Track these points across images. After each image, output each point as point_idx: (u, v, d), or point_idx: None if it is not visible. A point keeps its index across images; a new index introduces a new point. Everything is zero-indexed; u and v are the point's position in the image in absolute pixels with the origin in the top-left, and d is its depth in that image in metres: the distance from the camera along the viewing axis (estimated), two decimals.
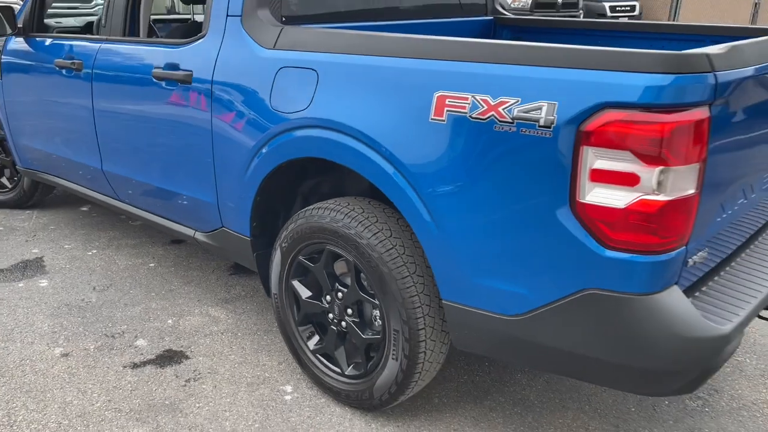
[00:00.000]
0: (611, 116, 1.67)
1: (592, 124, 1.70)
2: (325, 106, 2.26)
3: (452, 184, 1.97)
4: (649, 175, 1.67)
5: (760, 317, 2.36)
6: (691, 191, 1.73)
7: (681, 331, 1.76)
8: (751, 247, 2.33)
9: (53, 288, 3.45)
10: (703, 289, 2.00)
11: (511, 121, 1.82)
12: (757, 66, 1.85)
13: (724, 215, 2.01)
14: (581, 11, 16.66)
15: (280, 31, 2.48)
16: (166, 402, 2.55)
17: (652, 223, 1.70)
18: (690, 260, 1.85)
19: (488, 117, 1.86)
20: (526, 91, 1.80)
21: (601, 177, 1.72)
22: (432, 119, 1.98)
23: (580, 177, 1.74)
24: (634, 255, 1.74)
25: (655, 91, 1.63)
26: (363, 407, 2.46)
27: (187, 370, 2.76)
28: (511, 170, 1.86)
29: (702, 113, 1.66)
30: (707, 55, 1.66)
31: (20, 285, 3.49)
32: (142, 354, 2.87)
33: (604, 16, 16.94)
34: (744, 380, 2.78)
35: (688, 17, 17.16)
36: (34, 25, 3.80)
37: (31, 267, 3.70)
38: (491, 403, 2.59)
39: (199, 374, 2.73)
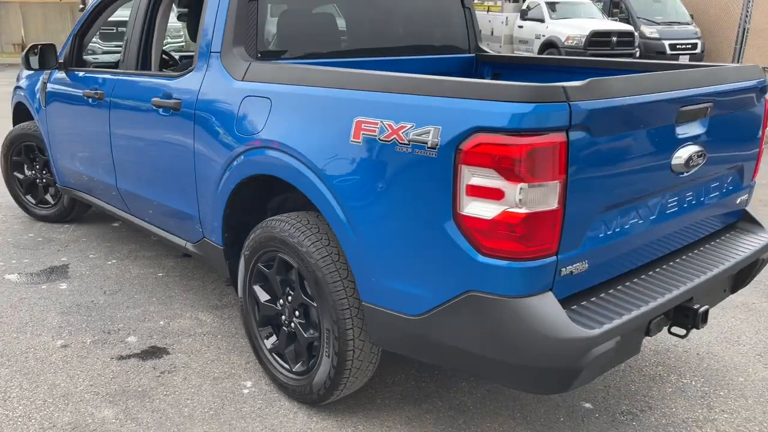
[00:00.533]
0: (481, 139, 1.92)
1: (466, 145, 1.94)
2: (274, 129, 2.59)
3: (364, 196, 2.25)
4: (512, 190, 1.90)
5: (671, 333, 2.50)
6: (554, 206, 1.94)
7: (546, 331, 1.96)
8: (663, 267, 2.48)
9: (70, 291, 3.89)
10: (593, 299, 2.18)
11: (407, 143, 2.09)
12: (627, 98, 2.05)
13: (609, 232, 2.19)
14: (638, 49, 16.60)
15: (249, 66, 2.84)
16: (139, 389, 2.88)
17: (515, 233, 1.92)
18: (564, 270, 2.04)
19: (391, 139, 2.14)
20: (418, 117, 2.07)
21: (475, 192, 1.95)
22: (351, 141, 2.27)
23: (459, 192, 1.98)
24: (504, 261, 1.96)
25: (517, 117, 1.87)
26: (306, 401, 2.72)
27: (164, 363, 3.09)
28: (407, 185, 2.12)
29: (558, 137, 1.88)
30: (563, 88, 1.89)
31: (43, 287, 3.94)
32: (129, 348, 3.23)
33: (663, 54, 16.80)
34: (682, 400, 2.88)
35: (752, 56, 16.84)
36: (73, 60, 4.33)
37: (57, 272, 4.16)
38: (429, 406, 2.80)
39: (174, 368, 3.06)
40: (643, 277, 2.39)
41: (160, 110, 3.26)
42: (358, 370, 2.55)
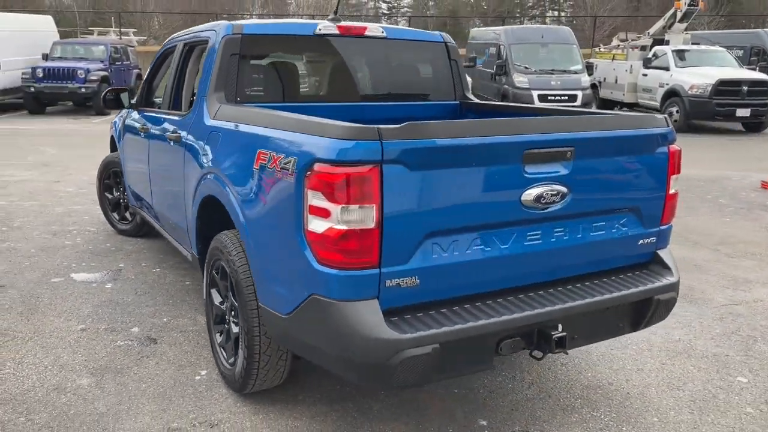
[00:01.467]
0: (318, 167, 2.35)
1: (309, 172, 2.39)
2: (218, 158, 3.18)
3: (256, 212, 2.76)
4: (335, 210, 2.31)
5: (532, 356, 2.72)
6: (371, 225, 2.32)
7: (363, 331, 2.33)
8: (530, 294, 2.72)
9: (111, 290, 4.69)
10: (430, 312, 2.50)
11: (281, 170, 2.57)
12: (447, 140, 2.39)
13: (446, 255, 2.50)
14: None
15: (219, 107, 3.46)
16: (118, 366, 3.53)
17: (338, 246, 2.32)
18: (389, 282, 2.39)
19: (273, 167, 2.63)
20: (287, 149, 2.56)
21: (314, 210, 2.39)
22: (254, 168, 2.79)
23: (305, 210, 2.42)
24: (333, 270, 2.36)
25: (342, 151, 2.29)
26: (233, 388, 3.21)
27: (148, 350, 3.73)
28: (279, 204, 2.60)
29: (371, 169, 2.27)
30: (378, 129, 2.28)
31: (93, 285, 4.78)
32: (129, 337, 3.91)
33: None
34: (579, 429, 3.02)
35: None
36: (143, 101, 5.24)
37: (110, 275, 5.01)
38: (339, 407, 3.18)
39: (154, 354, 3.68)
40: (499, 300, 2.65)
41: (171, 141, 3.97)
42: (267, 364, 3.00)
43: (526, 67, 16.93)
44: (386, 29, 4.02)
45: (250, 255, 2.86)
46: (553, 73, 16.91)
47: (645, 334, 4.06)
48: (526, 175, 2.58)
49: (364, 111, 4.03)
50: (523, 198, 2.59)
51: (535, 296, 2.71)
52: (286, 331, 2.67)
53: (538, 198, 2.60)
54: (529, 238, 2.69)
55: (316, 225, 2.38)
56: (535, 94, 16.33)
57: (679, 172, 3.06)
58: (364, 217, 2.31)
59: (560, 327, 2.69)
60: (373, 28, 3.97)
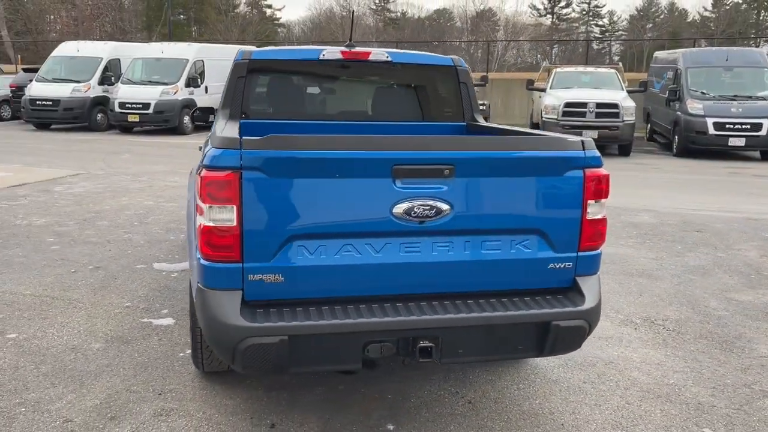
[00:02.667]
0: (201, 172, 2.73)
1: (198, 176, 2.78)
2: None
3: (191, 212, 3.20)
4: (204, 208, 2.68)
5: (404, 363, 2.83)
6: (232, 224, 2.64)
7: (218, 316, 2.66)
8: (410, 303, 2.83)
9: (175, 278, 5.44)
10: (297, 309, 2.74)
11: (196, 175, 2.99)
12: (308, 152, 2.62)
13: (311, 257, 2.72)
14: None
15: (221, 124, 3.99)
16: (129, 338, 4.18)
17: (207, 241, 2.68)
18: (252, 276, 2.69)
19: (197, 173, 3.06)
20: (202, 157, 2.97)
21: (198, 209, 2.77)
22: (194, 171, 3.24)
23: (197, 209, 2.82)
24: (205, 261, 2.72)
25: (213, 158, 2.65)
26: (197, 366, 3.66)
27: (161, 328, 4.35)
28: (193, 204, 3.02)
29: (231, 174, 2.60)
30: (240, 139, 2.61)
31: (163, 273, 5.58)
32: (154, 315, 4.57)
33: None
34: None
35: None
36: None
37: (182, 266, 5.79)
38: (275, 394, 3.49)
39: (164, 332, 4.29)
40: (371, 305, 2.80)
41: None
42: (208, 347, 3.42)
43: (702, 93, 15.59)
44: (392, 54, 4.28)
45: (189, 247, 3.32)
46: (735, 100, 15.37)
47: (636, 373, 3.83)
48: (396, 189, 2.72)
49: (366, 131, 4.31)
50: (394, 210, 2.73)
51: (409, 306, 2.82)
52: (195, 314, 3.08)
53: (409, 211, 2.73)
54: (406, 249, 2.81)
55: (198, 221, 2.76)
56: (710, 122, 14.97)
57: (603, 197, 2.95)
58: (225, 216, 2.65)
59: (441, 338, 2.78)
60: (378, 53, 4.25)
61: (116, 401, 3.38)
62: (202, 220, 2.70)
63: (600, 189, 2.93)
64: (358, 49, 4.26)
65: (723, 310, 4.93)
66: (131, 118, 17.83)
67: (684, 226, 7.72)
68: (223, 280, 2.71)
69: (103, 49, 20.01)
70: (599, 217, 2.98)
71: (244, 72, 4.13)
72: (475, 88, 16.39)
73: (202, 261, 2.74)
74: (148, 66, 19.05)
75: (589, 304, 2.93)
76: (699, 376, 3.82)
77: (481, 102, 19.11)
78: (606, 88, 15.55)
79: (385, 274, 2.83)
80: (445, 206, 2.76)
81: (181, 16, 56.48)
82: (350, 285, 2.82)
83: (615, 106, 14.40)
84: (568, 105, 14.50)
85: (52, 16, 50.80)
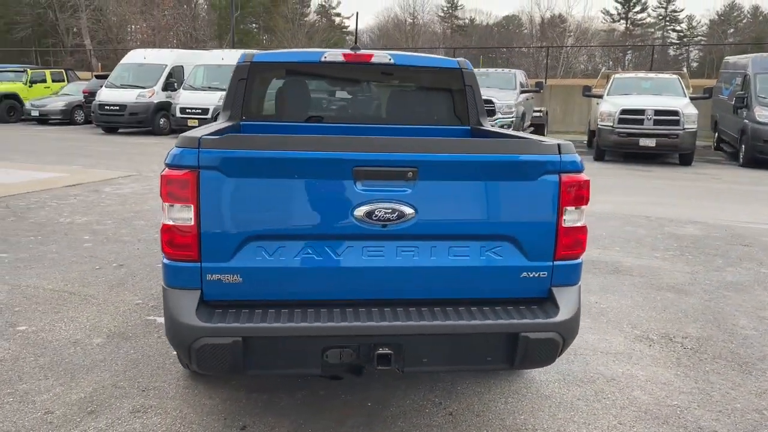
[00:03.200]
0: (164, 171, 2.73)
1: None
2: None
3: None
4: (165, 207, 2.68)
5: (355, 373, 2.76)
6: (190, 222, 2.63)
7: (174, 315, 2.66)
8: (374, 308, 2.75)
9: None
10: (257, 310, 2.71)
11: None
12: (266, 152, 2.59)
13: (271, 258, 2.68)
14: None
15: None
16: (129, 334, 4.26)
17: (165, 238, 2.69)
18: (210, 276, 2.68)
19: None
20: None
21: (162, 208, 2.78)
22: None
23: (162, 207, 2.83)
24: (167, 260, 2.73)
25: (174, 157, 2.66)
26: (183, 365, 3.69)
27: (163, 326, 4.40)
28: None
29: (189, 173, 2.60)
30: (199, 138, 2.60)
31: None
32: (161, 314, 4.63)
33: None
34: None
35: None
36: None
37: None
38: (255, 395, 3.48)
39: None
40: (331, 309, 2.74)
41: None
42: None
43: None
44: (395, 56, 4.22)
45: None
46: None
47: (638, 392, 3.62)
48: (357, 191, 2.66)
49: (369, 133, 4.26)
50: (355, 213, 2.67)
51: (372, 311, 2.74)
52: None
53: (370, 214, 2.66)
54: (368, 253, 2.74)
55: (163, 220, 2.77)
56: None
57: (582, 203, 2.80)
58: (183, 215, 2.65)
59: (403, 346, 2.70)
60: (380, 55, 4.19)
61: (100, 396, 3.44)
62: (164, 219, 2.71)
63: (579, 195, 2.78)
64: (365, 51, 4.21)
65: (752, 330, 4.61)
66: (191, 123, 18.33)
67: (731, 240, 7.29)
68: (182, 279, 2.71)
69: (167, 57, 20.75)
70: (578, 224, 2.82)
71: (246, 74, 4.16)
72: (530, 94, 16.02)
73: (164, 260, 2.75)
74: (209, 72, 19.61)
75: (563, 316, 2.78)
76: (707, 399, 3.57)
77: (537, 109, 18.87)
78: (667, 95, 14.94)
79: (346, 278, 2.76)
80: (408, 210, 2.68)
81: (253, 25, 58.06)
82: (311, 288, 2.77)
83: (675, 113, 13.79)
84: (624, 112, 14.00)
85: (132, 26, 53.11)
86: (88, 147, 15.95)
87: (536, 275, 2.82)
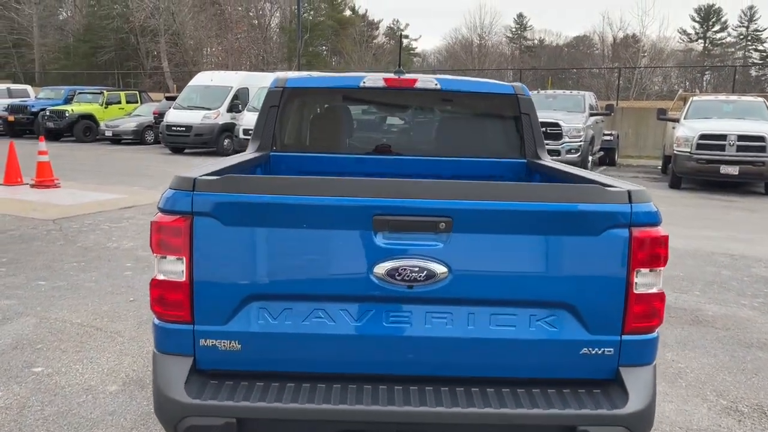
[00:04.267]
0: (157, 216, 2.34)
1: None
2: None
3: None
4: (155, 260, 2.30)
5: None
6: (181, 278, 2.23)
7: (160, 385, 2.26)
8: (398, 386, 2.28)
9: None
10: (258, 383, 2.28)
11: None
12: (269, 195, 2.17)
13: (275, 322, 2.25)
14: None
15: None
16: (146, 380, 3.92)
17: (156, 296, 2.30)
18: (204, 341, 2.26)
19: None
20: None
21: (154, 260, 2.38)
22: None
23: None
24: (156, 320, 2.34)
25: (166, 200, 2.27)
26: None
27: None
28: None
29: (182, 220, 2.20)
30: (194, 179, 2.21)
31: None
32: None
33: None
34: None
35: None
36: None
37: None
38: None
39: None
40: (348, 386, 2.28)
41: None
42: None
43: None
44: (442, 81, 3.75)
45: None
46: None
47: None
48: (378, 244, 2.20)
49: (412, 166, 3.81)
50: (375, 271, 2.21)
51: (394, 390, 2.26)
52: None
53: (393, 273, 2.19)
54: (391, 319, 2.27)
55: (154, 274, 2.38)
56: None
57: (658, 264, 2.25)
58: (174, 268, 2.25)
59: None
60: (426, 80, 3.74)
61: None
62: (154, 273, 2.33)
63: (655, 254, 2.24)
64: (408, 76, 3.77)
65: None
66: None
67: None
68: (172, 343, 2.32)
69: (233, 79, 20.98)
70: (653, 290, 2.27)
71: (278, 101, 3.79)
72: (600, 117, 15.15)
73: (155, 320, 2.36)
74: None
75: (634, 405, 2.22)
76: None
77: (607, 132, 17.94)
78: (751, 119, 13.85)
79: (364, 349, 2.30)
80: (440, 268, 2.20)
81: (323, 48, 58.87)
82: (322, 359, 2.32)
83: (761, 138, 12.73)
84: (703, 137, 13.01)
85: (207, 49, 54.78)
86: (152, 167, 16.12)
87: (600, 352, 2.28)
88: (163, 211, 2.25)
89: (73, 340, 4.55)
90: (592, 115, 15.79)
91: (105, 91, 26.03)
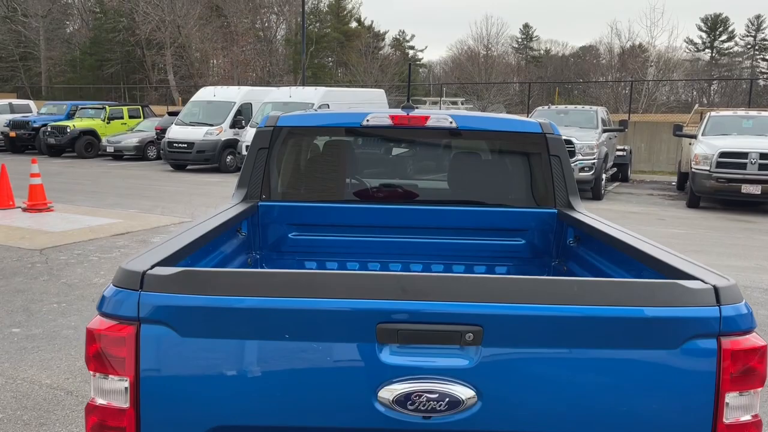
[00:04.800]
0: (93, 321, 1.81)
1: None
2: None
3: None
4: (92, 379, 1.76)
5: None
6: (125, 405, 1.70)
7: None
8: None
9: None
10: None
11: None
12: (239, 297, 1.64)
13: None
14: None
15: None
16: None
17: (93, 425, 1.76)
18: None
19: None
20: None
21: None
22: None
23: None
24: None
25: (105, 302, 1.75)
26: None
27: None
28: None
29: (126, 329, 1.68)
30: (143, 274, 1.69)
31: None
32: None
33: None
34: None
35: None
36: None
37: None
38: None
39: None
40: None
41: None
42: None
43: None
44: (458, 118, 3.22)
45: None
46: None
47: None
48: (383, 362, 1.67)
49: (424, 217, 3.27)
50: (380, 396, 1.68)
51: None
52: None
53: (404, 399, 1.65)
54: None
55: (91, 394, 1.84)
56: None
57: (755, 384, 1.71)
58: (115, 391, 1.72)
59: None
60: (439, 117, 3.21)
61: None
62: (91, 393, 1.79)
63: (750, 370, 1.69)
64: (420, 113, 3.23)
65: None
66: None
67: None
68: None
69: (236, 94, 20.54)
70: (747, 418, 1.72)
71: (267, 142, 3.26)
72: (614, 133, 14.62)
73: None
74: (276, 110, 19.20)
75: None
76: None
77: (620, 147, 17.34)
78: None
79: None
80: (467, 393, 1.66)
81: (329, 60, 58.47)
82: None
83: None
84: (723, 155, 12.43)
85: (214, 61, 54.52)
86: (152, 186, 15.67)
87: None
88: (102, 315, 1.72)
89: (37, 408, 4.02)
90: (605, 131, 15.23)
91: (107, 107, 25.66)
